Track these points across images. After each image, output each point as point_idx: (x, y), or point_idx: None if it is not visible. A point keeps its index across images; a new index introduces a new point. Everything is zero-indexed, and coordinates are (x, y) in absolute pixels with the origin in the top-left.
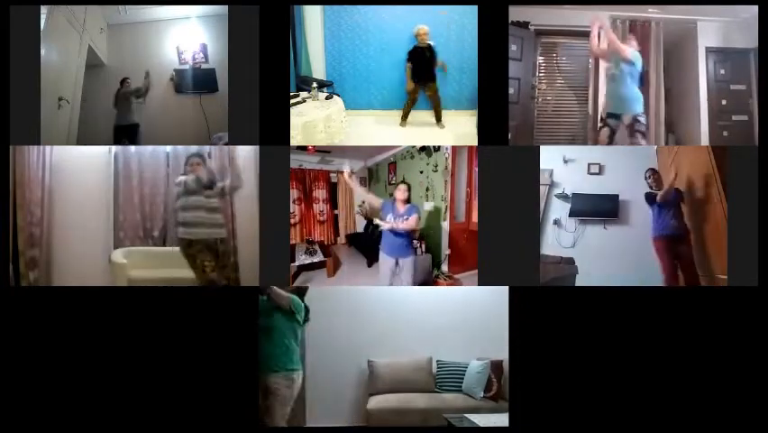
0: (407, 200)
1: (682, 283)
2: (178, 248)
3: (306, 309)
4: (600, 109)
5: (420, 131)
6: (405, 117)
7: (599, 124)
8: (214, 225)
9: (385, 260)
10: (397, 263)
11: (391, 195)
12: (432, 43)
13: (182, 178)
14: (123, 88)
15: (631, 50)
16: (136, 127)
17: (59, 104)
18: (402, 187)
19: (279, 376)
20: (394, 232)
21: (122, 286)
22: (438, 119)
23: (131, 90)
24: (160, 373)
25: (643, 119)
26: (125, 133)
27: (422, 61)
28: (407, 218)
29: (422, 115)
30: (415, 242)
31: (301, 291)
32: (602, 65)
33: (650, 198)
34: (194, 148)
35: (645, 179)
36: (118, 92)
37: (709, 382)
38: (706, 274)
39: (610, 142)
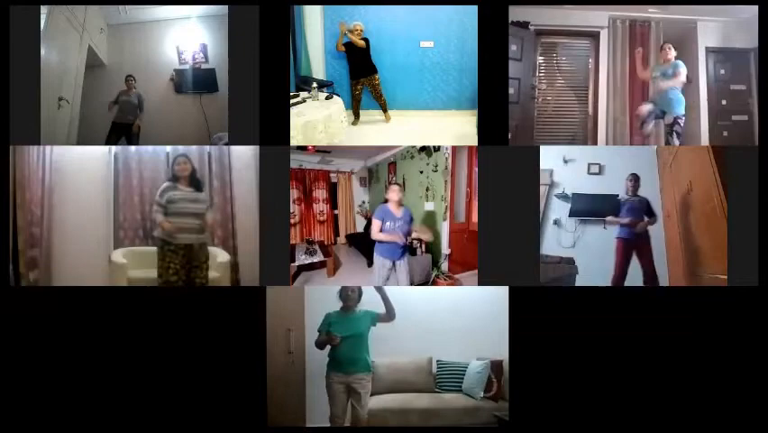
0: (401, 202)
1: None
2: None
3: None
4: (604, 111)
5: (406, 129)
6: (356, 116)
7: (647, 110)
8: (197, 231)
9: (381, 262)
10: (393, 265)
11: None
12: (367, 37)
13: (168, 188)
14: (124, 96)
15: (673, 61)
16: (131, 129)
17: (59, 104)
18: (395, 188)
19: (369, 374)
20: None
21: (122, 286)
22: (384, 110)
23: (132, 103)
24: (161, 374)
25: (682, 121)
26: (123, 131)
27: (357, 57)
28: (408, 224)
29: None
30: (414, 242)
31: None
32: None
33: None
34: (181, 148)
35: (627, 180)
36: (120, 95)
37: (709, 382)
38: (706, 274)
39: (648, 138)
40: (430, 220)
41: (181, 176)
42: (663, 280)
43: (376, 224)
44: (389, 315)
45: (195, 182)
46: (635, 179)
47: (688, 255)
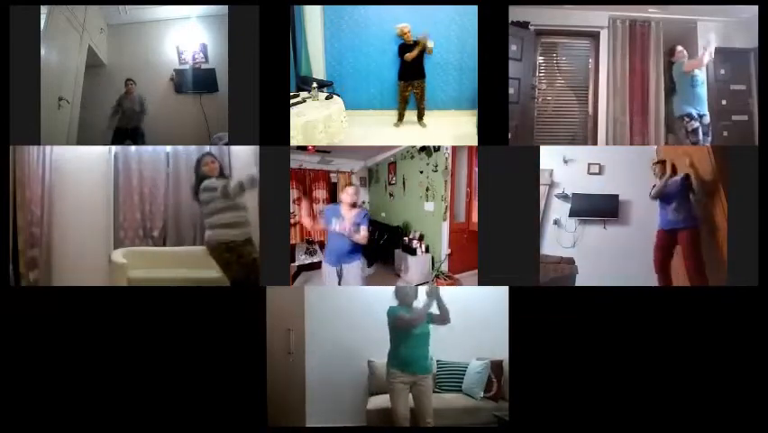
0: (355, 204)
1: (680, 283)
2: (201, 248)
3: None
4: (604, 112)
5: (406, 129)
6: (400, 117)
7: (693, 125)
8: (244, 224)
9: (327, 269)
10: (340, 272)
11: (392, 195)
12: (418, 40)
13: (214, 182)
14: (127, 102)
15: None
16: (136, 130)
17: (59, 104)
18: (350, 189)
19: (429, 376)
20: (336, 237)
21: (122, 286)
22: (420, 117)
23: (134, 110)
24: (161, 374)
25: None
26: (128, 135)
27: (410, 60)
28: (358, 228)
29: (409, 114)
30: (415, 242)
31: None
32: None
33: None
34: (205, 148)
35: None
36: (121, 100)
37: (709, 382)
38: (706, 274)
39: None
40: (430, 221)
41: (211, 177)
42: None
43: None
44: (443, 316)
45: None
46: (660, 163)
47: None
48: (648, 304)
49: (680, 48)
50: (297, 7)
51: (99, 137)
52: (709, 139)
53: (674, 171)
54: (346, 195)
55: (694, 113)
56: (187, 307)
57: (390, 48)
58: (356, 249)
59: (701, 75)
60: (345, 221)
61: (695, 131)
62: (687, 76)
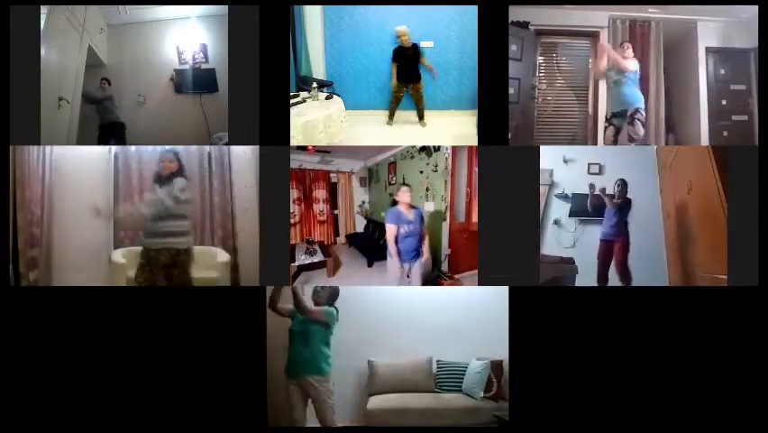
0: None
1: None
2: (201, 248)
3: (336, 311)
4: (604, 112)
5: (406, 129)
6: (391, 116)
7: (605, 125)
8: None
9: (398, 268)
10: (409, 271)
11: (391, 195)
12: (417, 43)
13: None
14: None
15: (631, 62)
16: (122, 126)
17: (59, 104)
18: (405, 189)
19: (318, 378)
20: (406, 236)
21: (122, 286)
22: (420, 117)
23: (95, 98)
24: (161, 374)
25: (643, 111)
26: (111, 132)
27: (406, 61)
28: (419, 225)
29: (408, 115)
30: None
31: (333, 298)
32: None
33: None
34: (206, 148)
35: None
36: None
37: (709, 382)
38: (706, 274)
39: (615, 141)
40: (434, 221)
41: (164, 175)
42: (663, 281)
43: (391, 229)
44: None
45: (178, 173)
46: (622, 184)
47: (688, 255)
48: (648, 304)
49: (626, 44)
50: (297, 7)
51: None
52: (640, 131)
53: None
54: (404, 195)
55: (608, 114)
56: (187, 307)
57: (390, 49)
58: (419, 249)
59: (632, 73)
60: (411, 223)
61: (618, 129)
62: (615, 74)
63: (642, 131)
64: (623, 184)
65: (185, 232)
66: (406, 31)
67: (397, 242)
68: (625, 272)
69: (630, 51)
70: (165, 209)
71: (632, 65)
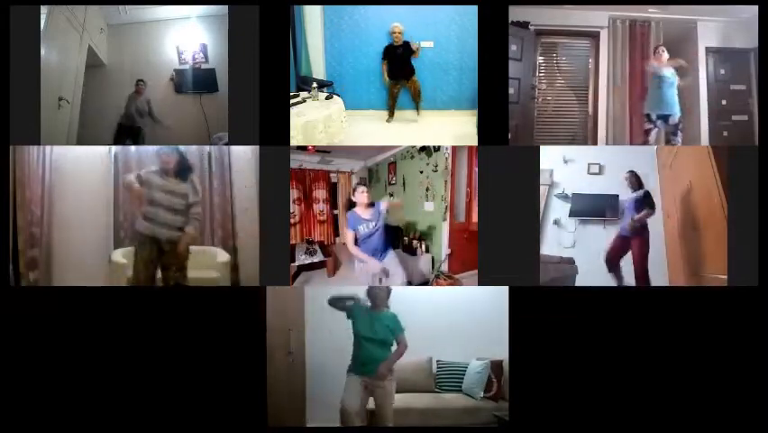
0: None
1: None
2: (201, 248)
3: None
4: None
5: (406, 129)
6: (391, 113)
7: (647, 126)
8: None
9: (375, 263)
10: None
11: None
12: (408, 41)
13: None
14: (135, 104)
15: (668, 67)
16: (139, 130)
17: (59, 104)
18: (361, 189)
19: (391, 379)
20: (368, 236)
21: (122, 286)
22: (417, 109)
23: (143, 110)
24: (161, 374)
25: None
26: (129, 134)
27: (396, 59)
28: (381, 220)
29: (408, 114)
30: (415, 242)
31: (388, 296)
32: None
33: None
34: (206, 148)
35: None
36: (130, 100)
37: (709, 382)
38: (706, 274)
39: (656, 141)
40: (430, 220)
41: (166, 169)
42: (663, 280)
43: (349, 235)
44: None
45: (182, 174)
46: (632, 175)
47: (688, 255)
48: (648, 304)
49: (661, 49)
50: (297, 7)
51: (99, 137)
52: (678, 140)
53: (640, 184)
54: (360, 196)
55: (653, 115)
56: (187, 307)
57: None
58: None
59: (669, 76)
60: (370, 222)
61: (647, 132)
62: (654, 77)
63: (680, 143)
64: (634, 175)
65: (181, 227)
66: (402, 28)
67: (359, 244)
68: (642, 274)
69: (666, 56)
70: (184, 205)
71: (669, 69)
